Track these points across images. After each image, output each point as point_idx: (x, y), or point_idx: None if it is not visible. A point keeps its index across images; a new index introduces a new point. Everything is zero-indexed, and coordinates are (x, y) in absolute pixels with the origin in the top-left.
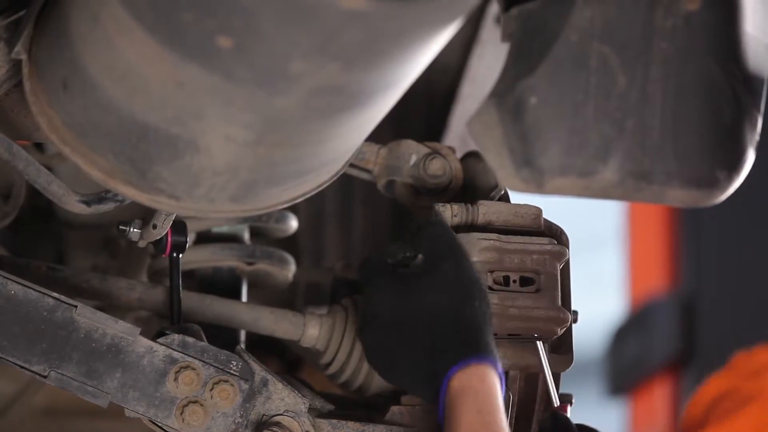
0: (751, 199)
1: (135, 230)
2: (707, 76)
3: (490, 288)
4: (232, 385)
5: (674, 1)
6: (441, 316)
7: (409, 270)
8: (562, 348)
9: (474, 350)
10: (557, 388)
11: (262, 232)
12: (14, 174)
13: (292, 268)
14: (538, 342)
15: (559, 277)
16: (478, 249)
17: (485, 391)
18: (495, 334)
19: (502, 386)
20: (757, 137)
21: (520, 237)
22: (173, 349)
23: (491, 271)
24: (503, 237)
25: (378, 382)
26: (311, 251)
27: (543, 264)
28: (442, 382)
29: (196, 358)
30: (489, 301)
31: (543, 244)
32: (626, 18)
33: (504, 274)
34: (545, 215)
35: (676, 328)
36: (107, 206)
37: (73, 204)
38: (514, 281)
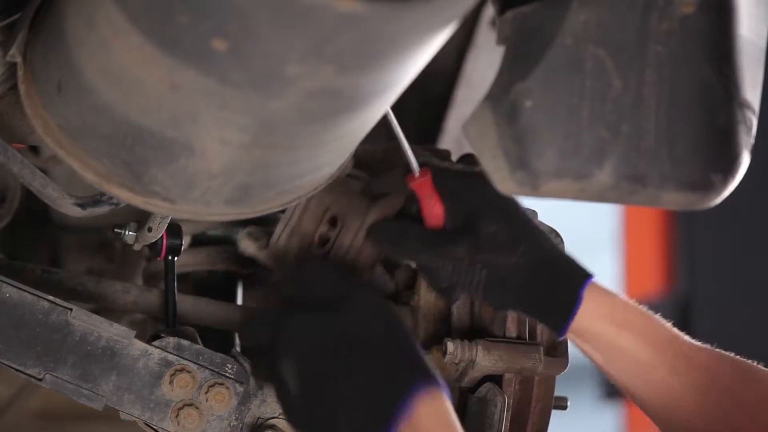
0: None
1: (130, 233)
2: (702, 79)
3: None
4: (227, 388)
5: (669, 4)
6: (376, 353)
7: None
8: (557, 351)
9: (420, 378)
10: (552, 392)
11: None
12: (9, 177)
13: None
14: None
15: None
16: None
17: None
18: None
19: (448, 396)
20: (752, 140)
21: None
22: (168, 352)
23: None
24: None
25: None
26: None
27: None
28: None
29: (191, 361)
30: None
31: None
32: (621, 21)
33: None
34: (540, 218)
35: None
36: (102, 209)
37: (68, 207)
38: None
